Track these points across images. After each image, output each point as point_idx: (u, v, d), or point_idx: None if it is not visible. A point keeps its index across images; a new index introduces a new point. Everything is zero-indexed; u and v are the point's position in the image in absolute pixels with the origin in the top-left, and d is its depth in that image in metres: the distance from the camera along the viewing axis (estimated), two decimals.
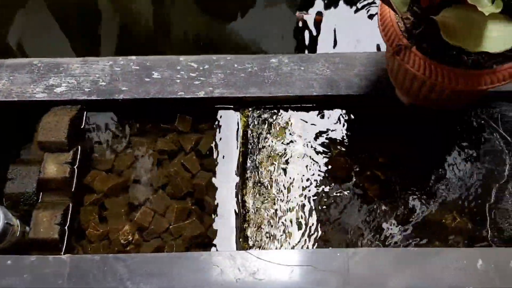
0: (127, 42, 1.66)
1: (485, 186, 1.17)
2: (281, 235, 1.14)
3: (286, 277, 1.01)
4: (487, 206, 1.15)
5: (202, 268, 1.02)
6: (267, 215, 1.16)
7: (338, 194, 1.19)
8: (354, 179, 1.21)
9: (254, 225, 1.15)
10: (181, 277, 1.01)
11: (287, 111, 1.26)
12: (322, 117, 1.26)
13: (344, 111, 1.26)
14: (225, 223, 1.17)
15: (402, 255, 1.03)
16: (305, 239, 1.14)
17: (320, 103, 1.25)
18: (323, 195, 1.19)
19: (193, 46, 1.67)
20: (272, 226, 1.15)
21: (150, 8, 1.73)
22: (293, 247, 1.12)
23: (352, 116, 1.26)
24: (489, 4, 0.80)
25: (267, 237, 1.14)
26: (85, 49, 1.63)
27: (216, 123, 1.27)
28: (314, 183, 1.20)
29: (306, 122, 1.25)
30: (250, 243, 1.13)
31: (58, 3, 1.74)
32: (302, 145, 1.23)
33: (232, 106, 1.26)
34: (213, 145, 1.26)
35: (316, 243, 1.14)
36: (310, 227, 1.16)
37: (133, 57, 1.27)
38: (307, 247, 1.13)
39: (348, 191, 1.19)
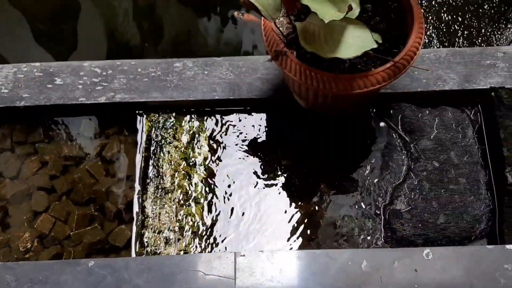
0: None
1: (383, 187, 1.19)
2: (179, 239, 1.15)
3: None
4: (382, 207, 1.16)
5: (91, 275, 1.03)
6: (167, 219, 1.16)
7: (242, 199, 1.20)
8: (258, 182, 1.21)
9: (152, 230, 1.15)
10: (67, 284, 1.01)
11: (191, 115, 1.26)
12: (227, 121, 1.27)
13: (248, 115, 1.27)
14: (125, 229, 1.17)
15: (284, 257, 1.04)
16: (203, 244, 1.15)
17: (223, 107, 1.26)
18: (226, 198, 1.20)
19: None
20: (171, 230, 1.15)
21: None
22: (186, 252, 1.13)
23: (257, 119, 1.27)
24: (341, 11, 0.81)
25: (165, 242, 1.15)
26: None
27: (121, 128, 1.27)
28: (218, 187, 1.21)
29: (211, 126, 1.26)
30: (148, 248, 1.14)
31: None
32: (207, 150, 1.24)
33: (136, 111, 1.26)
34: (118, 150, 1.26)
35: (212, 247, 1.14)
36: (211, 230, 1.16)
37: (37, 64, 1.27)
38: (207, 251, 1.14)
39: (253, 194, 1.20)
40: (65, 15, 1.77)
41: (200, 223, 1.17)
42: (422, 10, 1.02)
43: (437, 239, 1.11)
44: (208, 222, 1.17)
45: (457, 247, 1.06)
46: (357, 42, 0.82)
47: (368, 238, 1.15)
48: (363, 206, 1.17)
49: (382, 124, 1.25)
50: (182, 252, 1.13)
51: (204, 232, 1.16)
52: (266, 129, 1.26)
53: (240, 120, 1.26)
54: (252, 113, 1.27)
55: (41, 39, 1.74)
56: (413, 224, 1.12)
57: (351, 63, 1.00)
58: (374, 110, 1.25)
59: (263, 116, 1.26)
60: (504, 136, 1.14)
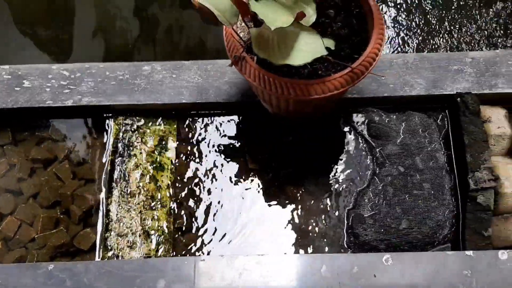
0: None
1: (347, 191, 1.19)
2: (143, 243, 1.15)
3: None
4: (346, 211, 1.16)
5: (51, 279, 1.03)
6: (131, 223, 1.16)
7: (208, 202, 1.20)
8: (224, 186, 1.21)
9: (116, 234, 1.15)
10: None
11: (159, 119, 1.26)
12: (195, 124, 1.27)
13: (215, 119, 1.27)
14: (90, 232, 1.17)
15: (244, 262, 1.05)
16: (167, 248, 1.15)
17: (190, 111, 1.26)
18: (192, 202, 1.20)
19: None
20: (135, 234, 1.15)
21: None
22: (148, 256, 1.13)
23: (224, 124, 1.27)
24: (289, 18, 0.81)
25: (128, 246, 1.15)
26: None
27: (90, 131, 1.27)
28: (184, 191, 1.21)
29: (179, 129, 1.26)
30: (111, 252, 1.13)
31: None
32: (174, 153, 1.24)
33: (104, 115, 1.26)
34: (85, 153, 1.26)
35: (176, 251, 1.15)
36: (175, 234, 1.16)
37: (6, 66, 1.27)
38: (171, 255, 1.14)
39: (220, 198, 1.20)
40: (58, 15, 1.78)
41: (165, 227, 1.17)
42: (382, 16, 1.02)
43: (399, 244, 1.11)
44: (173, 226, 1.17)
45: (417, 253, 1.06)
46: (308, 49, 0.82)
47: (331, 242, 1.15)
48: (328, 211, 1.18)
49: (349, 129, 1.25)
50: (144, 256, 1.13)
51: (168, 236, 1.16)
52: (234, 133, 1.26)
53: (207, 124, 1.26)
54: (220, 117, 1.27)
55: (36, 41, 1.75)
56: (376, 229, 1.12)
57: (313, 69, 1.01)
58: (342, 115, 1.25)
59: (231, 120, 1.26)
60: (468, 142, 1.14)
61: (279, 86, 0.96)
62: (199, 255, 1.14)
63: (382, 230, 1.12)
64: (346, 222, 1.16)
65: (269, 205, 1.20)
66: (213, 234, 1.17)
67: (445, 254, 1.05)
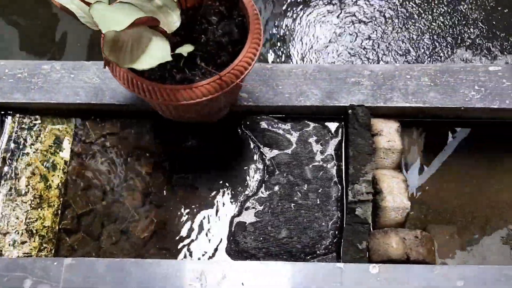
0: None
1: (237, 198, 1.19)
2: (26, 242, 1.14)
3: None
4: (230, 219, 1.16)
5: None
6: (16, 222, 1.16)
7: (98, 204, 1.19)
8: (114, 188, 1.21)
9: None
10: None
11: (55, 118, 1.26)
12: (92, 125, 1.26)
13: (111, 120, 1.27)
14: None
15: (116, 264, 1.04)
16: (49, 247, 1.14)
17: (87, 111, 1.26)
18: (83, 202, 1.19)
19: None
20: (17, 232, 1.15)
21: None
22: (29, 255, 1.12)
23: (119, 125, 1.26)
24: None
25: (10, 244, 1.14)
26: None
27: None
28: (75, 191, 1.20)
29: (74, 129, 1.26)
30: None
31: None
32: (68, 153, 1.24)
33: (2, 112, 1.25)
34: None
35: (57, 251, 1.14)
36: (58, 234, 1.16)
37: None
38: (52, 256, 1.13)
39: (106, 202, 1.20)
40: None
41: (50, 227, 1.16)
42: (260, 25, 1.02)
43: (278, 253, 1.11)
44: (58, 226, 1.17)
45: (289, 263, 1.06)
46: (157, 54, 0.83)
47: (212, 249, 1.14)
48: (215, 216, 1.18)
49: (245, 136, 1.25)
50: (24, 255, 1.13)
51: (52, 236, 1.16)
52: (128, 135, 1.25)
53: (103, 126, 1.26)
54: (115, 119, 1.26)
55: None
56: (255, 237, 1.12)
57: (192, 74, 1.00)
58: (241, 122, 1.25)
59: (125, 122, 1.26)
60: (352, 154, 1.15)
61: (147, 90, 0.96)
62: (82, 257, 1.13)
63: (261, 238, 1.12)
64: (229, 229, 1.16)
65: (159, 209, 1.19)
66: (99, 236, 1.17)
67: (316, 265, 1.05)
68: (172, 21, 0.90)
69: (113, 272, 1.03)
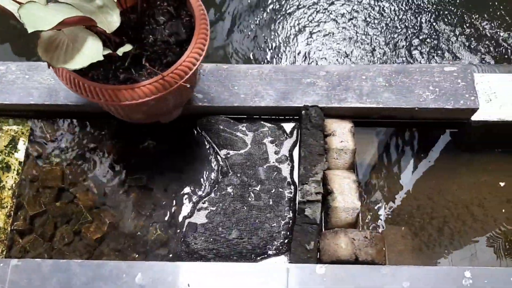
0: None
1: (189, 199, 1.18)
2: None
3: None
4: (181, 219, 1.16)
5: None
6: None
7: (50, 204, 1.19)
8: (69, 190, 1.21)
9: None
10: None
11: (11, 119, 1.26)
12: (49, 126, 1.26)
13: (67, 121, 1.26)
14: None
15: (61, 265, 1.04)
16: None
17: (41, 112, 1.25)
18: (37, 203, 1.19)
19: None
20: None
21: None
22: None
23: (74, 126, 1.26)
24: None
25: None
26: None
27: None
28: (29, 192, 1.20)
29: (30, 130, 1.25)
30: None
31: None
32: (23, 154, 1.23)
33: None
34: None
35: (9, 252, 1.14)
36: (11, 236, 1.15)
37: None
38: (2, 257, 1.13)
39: (60, 203, 1.19)
40: None
41: (2, 228, 1.15)
42: (206, 26, 1.02)
43: (228, 254, 1.11)
44: (11, 227, 1.16)
45: (228, 263, 1.06)
46: (90, 53, 0.82)
47: (164, 251, 1.14)
48: (168, 217, 1.17)
49: (199, 136, 1.25)
50: None
51: (4, 237, 1.15)
52: (83, 136, 1.25)
53: (58, 126, 1.26)
54: (71, 120, 1.26)
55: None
56: (206, 238, 1.11)
57: (139, 74, 1.00)
58: (195, 123, 1.25)
59: (81, 123, 1.26)
60: (303, 154, 1.15)
61: (89, 91, 0.96)
62: (34, 258, 1.13)
63: (212, 239, 1.11)
64: (179, 230, 1.15)
65: (112, 208, 1.19)
66: (52, 237, 1.16)
67: (262, 266, 1.05)
68: (112, 21, 0.90)
69: (58, 273, 1.03)
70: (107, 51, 0.87)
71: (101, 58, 0.83)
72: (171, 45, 1.04)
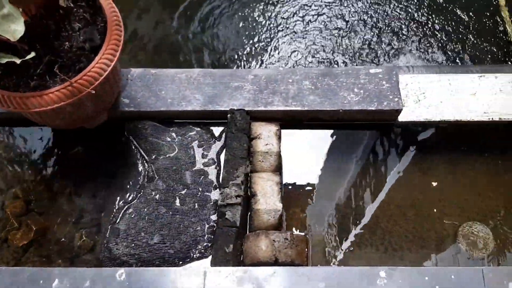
0: None
1: (116, 206, 1.19)
2: None
3: None
4: (107, 226, 1.16)
5: None
6: None
7: None
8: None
9: None
10: None
11: None
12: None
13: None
14: None
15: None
16: None
17: None
18: None
19: None
20: None
21: None
22: None
23: (6, 132, 1.26)
24: None
25: None
26: None
27: None
28: None
29: None
30: None
31: None
32: None
33: None
34: None
35: None
36: None
37: None
38: None
39: None
40: None
41: None
42: (119, 31, 1.02)
43: (150, 259, 1.11)
44: None
45: (150, 268, 1.05)
46: None
47: (89, 256, 1.14)
48: (95, 223, 1.17)
49: (127, 141, 1.25)
50: None
51: None
52: (12, 142, 1.25)
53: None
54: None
55: None
56: (127, 244, 1.12)
57: (53, 81, 1.00)
58: (123, 128, 1.26)
59: (9, 130, 1.26)
60: (227, 158, 1.16)
61: None
62: None
63: (133, 244, 1.12)
64: (104, 236, 1.15)
65: (39, 214, 1.19)
66: None
67: (175, 271, 1.05)
68: (17, 30, 0.90)
69: None
70: (5, 60, 0.87)
71: (3, 61, 0.83)
72: (86, 51, 1.04)
